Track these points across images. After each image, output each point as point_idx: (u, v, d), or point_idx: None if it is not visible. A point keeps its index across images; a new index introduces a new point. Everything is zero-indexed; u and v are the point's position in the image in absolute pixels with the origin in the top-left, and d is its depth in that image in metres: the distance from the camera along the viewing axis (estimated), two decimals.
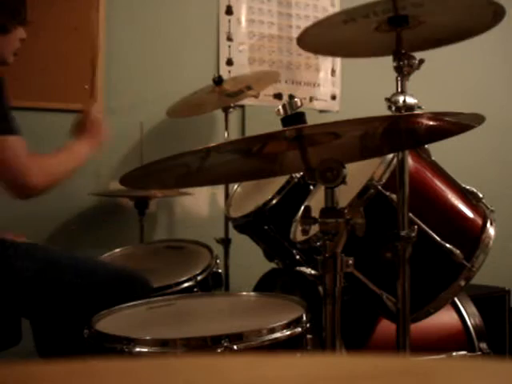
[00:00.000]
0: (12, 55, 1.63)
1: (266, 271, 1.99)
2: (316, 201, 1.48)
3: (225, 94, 2.23)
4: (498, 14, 1.22)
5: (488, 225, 1.44)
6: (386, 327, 1.48)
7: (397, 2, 1.18)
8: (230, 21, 2.60)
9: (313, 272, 1.05)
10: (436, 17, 1.26)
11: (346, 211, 1.00)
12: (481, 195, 1.49)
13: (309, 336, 1.14)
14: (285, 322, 1.12)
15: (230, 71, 2.58)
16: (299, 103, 1.13)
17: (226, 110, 2.34)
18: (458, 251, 1.36)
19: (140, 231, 2.25)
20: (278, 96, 2.67)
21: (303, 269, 1.06)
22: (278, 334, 1.10)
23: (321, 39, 1.35)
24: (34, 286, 1.43)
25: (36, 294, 1.43)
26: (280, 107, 1.13)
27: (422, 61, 1.33)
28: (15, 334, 1.50)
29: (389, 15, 1.23)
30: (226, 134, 2.36)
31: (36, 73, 2.21)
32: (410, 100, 1.30)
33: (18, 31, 1.61)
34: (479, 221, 1.45)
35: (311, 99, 2.75)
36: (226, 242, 2.33)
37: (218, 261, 1.87)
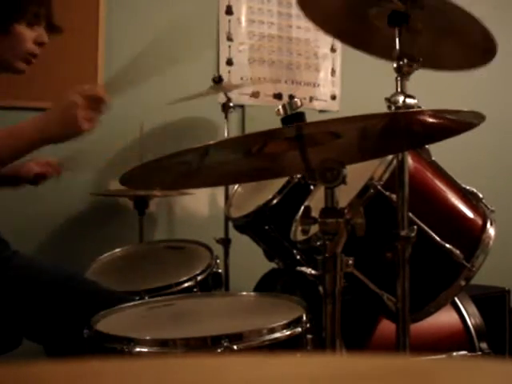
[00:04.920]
0: (20, 60, 1.45)
1: (266, 271, 1.99)
2: (316, 201, 1.48)
3: (225, 92, 2.24)
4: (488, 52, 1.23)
5: (488, 225, 1.44)
6: (386, 327, 1.48)
7: None
8: (230, 21, 2.60)
9: (313, 272, 1.05)
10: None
11: (346, 211, 1.00)
12: (481, 195, 1.49)
13: (309, 336, 1.14)
14: (285, 322, 1.12)
15: (229, 71, 2.58)
16: (299, 103, 1.13)
17: (226, 109, 2.34)
18: (457, 251, 1.36)
19: (140, 231, 2.25)
20: (278, 96, 2.67)
21: (303, 269, 1.06)
22: (277, 334, 1.10)
23: (322, 10, 1.34)
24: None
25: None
26: (280, 107, 1.13)
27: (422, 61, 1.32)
28: (15, 337, 1.48)
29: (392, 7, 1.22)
30: (226, 134, 2.36)
31: (36, 73, 2.21)
32: (410, 100, 1.30)
33: (24, 32, 1.42)
34: (479, 221, 1.45)
35: (311, 99, 2.75)
36: (225, 242, 2.33)
37: (217, 261, 1.87)
